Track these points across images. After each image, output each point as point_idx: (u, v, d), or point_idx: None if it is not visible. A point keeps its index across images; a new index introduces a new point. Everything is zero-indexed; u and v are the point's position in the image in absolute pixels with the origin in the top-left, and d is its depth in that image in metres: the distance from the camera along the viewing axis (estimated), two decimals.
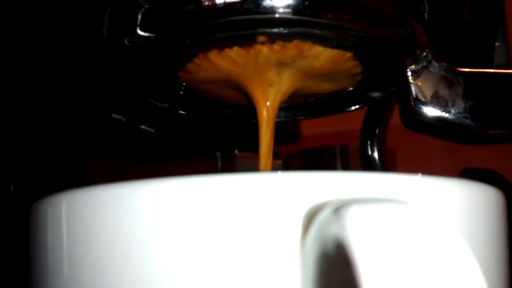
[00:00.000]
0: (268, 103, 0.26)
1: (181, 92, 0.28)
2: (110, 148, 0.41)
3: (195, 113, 0.30)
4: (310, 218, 0.15)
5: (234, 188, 0.16)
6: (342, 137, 0.61)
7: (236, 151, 0.50)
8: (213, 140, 0.48)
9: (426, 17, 0.25)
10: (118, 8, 0.24)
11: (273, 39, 0.23)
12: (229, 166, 0.49)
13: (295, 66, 0.25)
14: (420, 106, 0.26)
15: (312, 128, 0.62)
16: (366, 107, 0.35)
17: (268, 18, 0.22)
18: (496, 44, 0.32)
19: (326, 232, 0.13)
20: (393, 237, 0.12)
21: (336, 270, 0.14)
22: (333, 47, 0.24)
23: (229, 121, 0.31)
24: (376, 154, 0.37)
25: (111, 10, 0.24)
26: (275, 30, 0.23)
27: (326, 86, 0.27)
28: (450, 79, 0.26)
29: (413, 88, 0.26)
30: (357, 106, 0.30)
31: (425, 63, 0.26)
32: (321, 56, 0.24)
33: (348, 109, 0.30)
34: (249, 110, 0.26)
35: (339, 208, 0.13)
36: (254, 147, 0.26)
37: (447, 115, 0.26)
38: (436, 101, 0.26)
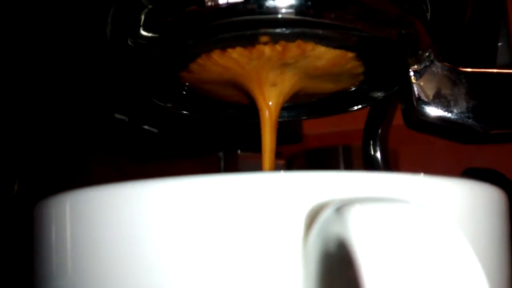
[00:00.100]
0: (270, 103, 0.26)
1: (184, 92, 0.28)
2: (113, 148, 0.41)
3: (198, 113, 0.30)
4: (312, 217, 0.15)
5: (236, 187, 0.16)
6: (344, 137, 0.61)
7: (239, 151, 0.50)
8: (215, 140, 0.48)
9: (429, 17, 0.25)
10: (122, 8, 0.24)
11: (275, 39, 0.23)
12: (232, 166, 0.50)
13: (298, 66, 0.25)
14: (422, 106, 0.26)
15: (315, 128, 0.62)
16: (368, 107, 0.35)
17: (270, 18, 0.22)
18: (499, 44, 0.32)
19: (328, 231, 0.13)
20: (395, 236, 0.12)
21: (338, 269, 0.14)
22: (335, 47, 0.24)
23: (232, 121, 0.31)
24: (378, 154, 0.37)
25: (114, 11, 0.25)
26: (278, 30, 0.23)
27: (328, 86, 0.27)
28: (452, 79, 0.26)
29: (415, 88, 0.26)
30: (359, 106, 0.30)
31: (427, 63, 0.26)
32: (323, 56, 0.24)
33: (350, 109, 0.30)
34: (252, 110, 0.26)
35: (341, 208, 0.13)
36: (256, 147, 0.26)
37: (449, 115, 0.26)
38: (438, 101, 0.26)
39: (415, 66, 0.26)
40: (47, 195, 0.19)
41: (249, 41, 0.23)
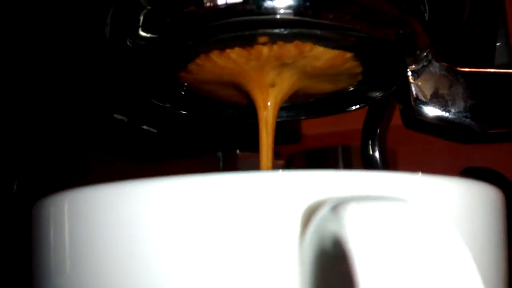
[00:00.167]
0: (269, 104, 0.26)
1: (183, 93, 0.28)
2: (112, 148, 0.41)
3: (197, 113, 0.30)
4: (309, 216, 0.15)
5: (234, 186, 0.16)
6: (343, 137, 0.61)
7: (238, 151, 0.50)
8: (214, 140, 0.48)
9: (427, 17, 0.25)
10: (120, 9, 0.24)
11: (274, 39, 0.23)
12: (231, 166, 0.50)
13: (296, 67, 0.25)
14: (420, 105, 0.26)
15: (314, 128, 0.62)
16: (367, 107, 0.35)
17: (269, 19, 0.22)
18: (498, 44, 0.32)
19: (324, 229, 0.13)
20: (390, 234, 0.12)
21: (334, 267, 0.14)
22: (333, 47, 0.24)
23: (231, 121, 0.31)
24: (377, 154, 0.37)
25: (113, 12, 0.25)
26: (276, 30, 0.23)
27: (327, 86, 0.28)
28: (450, 79, 0.26)
29: (413, 88, 0.26)
30: (358, 106, 0.30)
31: (425, 63, 0.26)
32: (322, 56, 0.24)
33: (349, 109, 0.30)
34: (250, 110, 0.27)
35: (337, 206, 0.13)
36: (255, 147, 0.26)
37: (447, 114, 0.26)
38: (436, 100, 0.26)
39: (413, 66, 0.26)
40: (46, 195, 0.19)
41: (248, 42, 0.23)
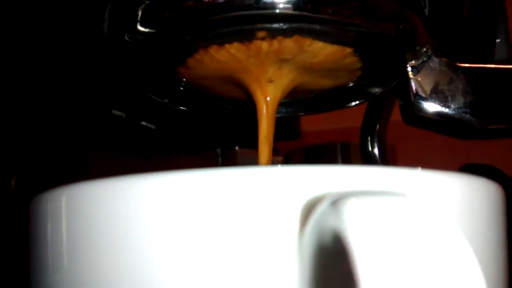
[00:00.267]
0: (268, 99, 0.26)
1: (181, 88, 0.28)
2: (111, 144, 0.41)
3: (195, 109, 0.30)
4: (308, 211, 0.15)
5: (232, 181, 0.16)
6: (342, 134, 0.61)
7: (237, 148, 0.50)
8: (213, 137, 0.48)
9: (427, 12, 0.25)
10: (119, 4, 0.24)
11: (273, 34, 0.23)
12: (230, 162, 0.49)
13: (295, 62, 0.25)
14: (420, 101, 0.26)
15: (313, 125, 0.62)
16: (366, 103, 0.35)
17: (268, 13, 0.22)
18: (498, 40, 0.32)
19: (324, 224, 0.13)
20: (390, 229, 0.12)
21: (333, 262, 0.14)
22: (333, 42, 0.24)
23: (230, 117, 0.31)
24: (376, 150, 0.37)
25: (111, 7, 0.24)
26: (275, 25, 0.23)
27: (326, 82, 0.27)
28: (450, 74, 0.26)
29: (413, 84, 0.26)
30: (357, 102, 0.30)
31: (425, 59, 0.26)
32: (321, 51, 0.24)
33: (348, 105, 0.30)
34: (249, 106, 0.26)
35: (336, 201, 0.13)
36: (254, 144, 0.26)
37: (447, 110, 0.26)
38: (436, 96, 0.26)
39: (413, 62, 0.26)
40: (44, 190, 0.19)
41: (247, 36, 0.23)
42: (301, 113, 0.31)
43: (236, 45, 0.24)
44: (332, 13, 0.22)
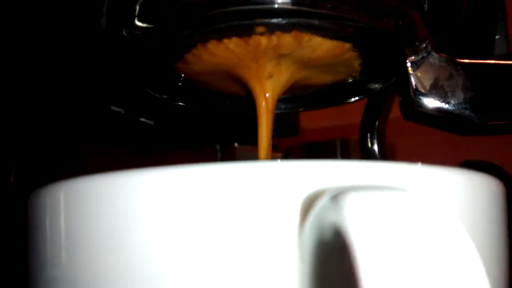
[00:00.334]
0: (267, 95, 0.26)
1: (180, 84, 0.28)
2: (110, 140, 0.41)
3: (194, 105, 0.30)
4: (308, 206, 0.15)
5: (231, 177, 0.16)
6: (342, 131, 0.61)
7: (236, 144, 0.50)
8: (212, 133, 0.48)
9: (426, 8, 0.25)
10: None
11: (272, 29, 0.23)
12: (229, 158, 0.49)
13: (294, 57, 0.25)
14: (419, 97, 0.26)
15: (312, 121, 0.62)
16: (365, 99, 0.35)
17: (267, 8, 0.22)
18: (497, 37, 0.32)
19: (324, 219, 0.13)
20: (391, 223, 0.12)
21: (334, 257, 0.13)
22: (332, 37, 0.24)
23: (229, 113, 0.31)
24: (376, 147, 0.37)
25: (109, 1, 0.24)
26: (274, 20, 0.23)
27: (325, 78, 0.27)
28: (450, 70, 0.26)
29: (412, 79, 0.26)
30: (356, 98, 0.30)
31: (424, 54, 0.26)
32: (320, 47, 0.24)
33: (348, 101, 0.30)
34: (249, 101, 0.26)
35: (336, 195, 0.13)
36: (253, 140, 0.26)
37: (446, 106, 0.26)
38: (435, 92, 0.26)
39: (412, 57, 0.26)
40: (42, 185, 0.19)
41: (245, 31, 0.23)
42: (301, 109, 0.31)
43: (234, 40, 0.24)
44: (331, 8, 0.22)
